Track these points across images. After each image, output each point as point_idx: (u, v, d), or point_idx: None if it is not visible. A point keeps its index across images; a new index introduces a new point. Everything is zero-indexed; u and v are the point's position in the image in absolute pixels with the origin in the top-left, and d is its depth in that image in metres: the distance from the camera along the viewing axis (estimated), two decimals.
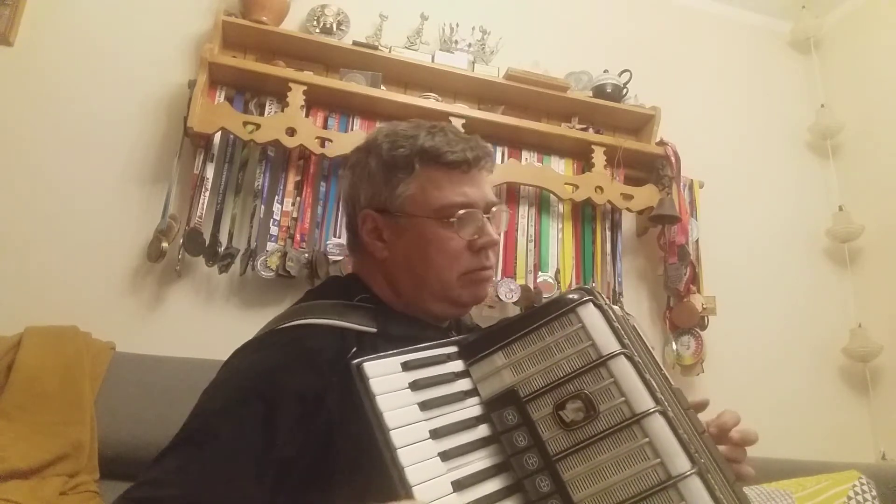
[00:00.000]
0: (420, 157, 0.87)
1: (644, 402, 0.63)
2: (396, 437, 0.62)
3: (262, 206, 1.92)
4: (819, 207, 2.66)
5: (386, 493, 0.59)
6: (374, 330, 0.82)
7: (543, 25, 2.53)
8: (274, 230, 1.90)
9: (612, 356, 0.66)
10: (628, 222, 2.37)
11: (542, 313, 0.70)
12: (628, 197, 2.20)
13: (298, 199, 1.95)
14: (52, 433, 1.37)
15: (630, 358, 0.66)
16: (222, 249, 1.85)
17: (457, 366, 0.71)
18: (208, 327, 1.84)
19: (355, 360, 0.66)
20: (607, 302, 0.71)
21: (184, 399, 1.49)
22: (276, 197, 1.93)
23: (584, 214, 2.25)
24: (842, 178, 2.69)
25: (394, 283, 0.90)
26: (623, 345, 0.67)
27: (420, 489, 0.59)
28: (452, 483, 0.61)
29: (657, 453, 0.61)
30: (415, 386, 0.66)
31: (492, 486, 0.63)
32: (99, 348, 1.58)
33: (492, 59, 2.27)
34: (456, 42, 2.24)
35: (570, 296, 0.70)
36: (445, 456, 0.63)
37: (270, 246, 1.87)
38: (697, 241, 2.31)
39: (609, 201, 2.17)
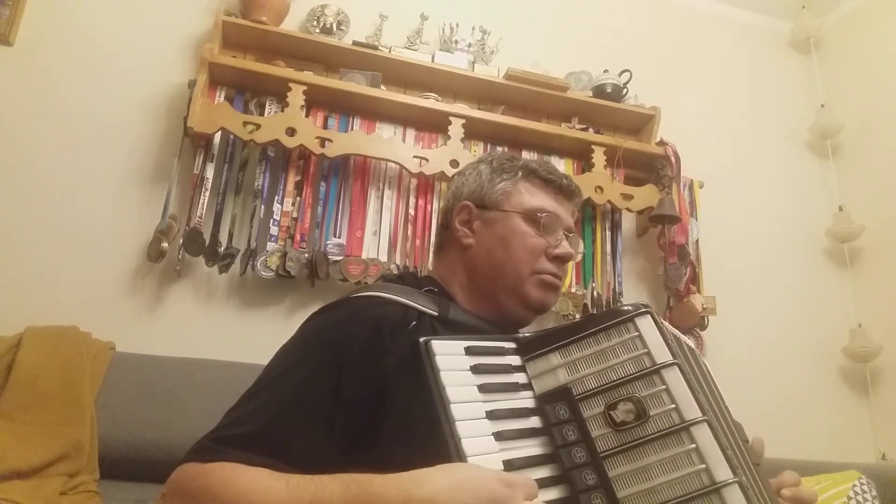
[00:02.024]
0: (524, 169, 1.02)
1: (693, 410, 0.67)
2: (456, 410, 0.66)
3: (262, 206, 1.92)
4: (819, 207, 2.66)
5: (431, 459, 0.64)
6: (436, 313, 0.88)
7: (543, 25, 2.53)
8: (274, 230, 1.90)
9: (666, 365, 0.69)
10: (628, 222, 2.37)
11: (599, 320, 0.74)
12: (628, 197, 2.20)
13: (298, 199, 1.95)
14: (52, 433, 1.37)
15: (682, 369, 0.70)
16: (222, 249, 1.85)
17: (514, 360, 0.76)
18: (208, 327, 1.84)
19: (423, 338, 0.72)
20: (664, 322, 0.76)
21: (184, 399, 1.52)
22: (276, 197, 1.93)
23: (584, 214, 2.25)
24: (842, 178, 2.69)
25: (473, 272, 0.98)
26: (675, 357, 0.70)
27: (473, 461, 0.64)
28: (504, 462, 0.65)
29: (703, 459, 0.65)
30: (475, 370, 0.71)
31: (539, 472, 0.67)
32: (99, 348, 1.58)
33: (492, 59, 2.27)
34: (456, 42, 2.24)
35: (628, 307, 0.74)
36: (499, 436, 0.67)
37: (270, 246, 1.87)
38: (697, 241, 2.31)
39: (609, 201, 2.17)
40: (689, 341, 0.85)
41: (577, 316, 2.07)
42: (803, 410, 2.33)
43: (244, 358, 1.64)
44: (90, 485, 1.38)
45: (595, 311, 2.12)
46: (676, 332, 0.81)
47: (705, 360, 0.89)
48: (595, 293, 2.15)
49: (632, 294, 2.28)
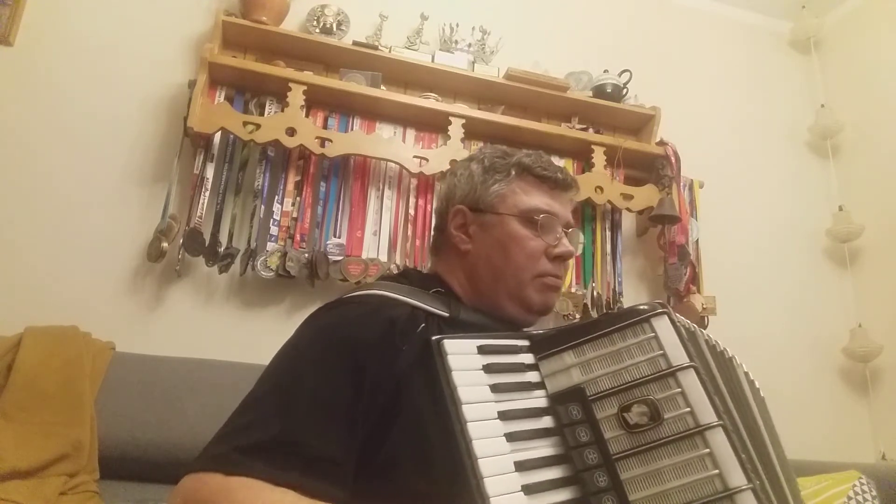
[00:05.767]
0: (517, 167, 0.99)
1: (708, 415, 0.66)
2: (468, 411, 0.66)
3: (262, 206, 1.92)
4: (819, 207, 2.66)
5: (439, 460, 0.66)
6: (446, 314, 0.87)
7: (543, 25, 2.53)
8: (274, 230, 1.90)
9: (682, 368, 0.68)
10: (628, 222, 2.37)
11: (615, 319, 0.73)
12: (628, 197, 2.20)
13: (298, 199, 1.95)
14: (52, 433, 1.37)
15: (698, 372, 0.69)
16: (222, 249, 1.85)
17: (527, 358, 0.74)
18: (208, 327, 1.84)
19: (435, 337, 0.71)
20: (684, 321, 0.75)
21: (184, 399, 1.52)
22: (276, 197, 1.93)
23: (585, 214, 2.25)
24: (842, 178, 2.69)
25: (473, 277, 0.96)
26: (692, 359, 0.69)
27: (485, 462, 0.63)
28: (515, 463, 0.65)
29: (716, 465, 0.64)
30: (488, 369, 0.71)
31: (551, 473, 0.66)
32: (99, 348, 1.58)
33: (492, 59, 2.27)
34: (456, 42, 2.24)
35: (644, 307, 0.73)
36: (511, 437, 0.67)
37: (270, 246, 1.87)
38: (697, 241, 2.31)
39: (609, 201, 2.17)
40: (723, 348, 0.84)
41: (577, 316, 2.07)
42: (803, 410, 2.32)
43: (244, 358, 1.64)
44: (90, 485, 1.38)
45: (595, 311, 2.12)
46: (707, 333, 0.80)
47: (738, 359, 0.88)
48: (595, 293, 2.15)
49: (632, 294, 2.28)
